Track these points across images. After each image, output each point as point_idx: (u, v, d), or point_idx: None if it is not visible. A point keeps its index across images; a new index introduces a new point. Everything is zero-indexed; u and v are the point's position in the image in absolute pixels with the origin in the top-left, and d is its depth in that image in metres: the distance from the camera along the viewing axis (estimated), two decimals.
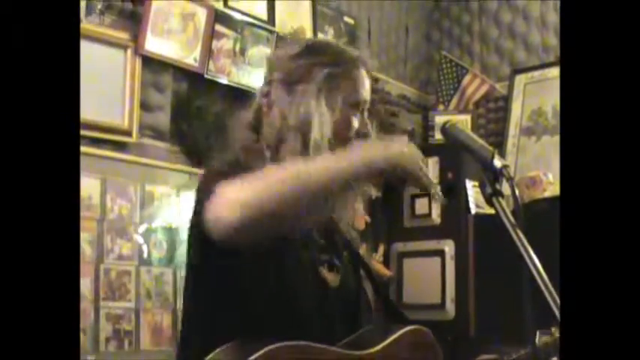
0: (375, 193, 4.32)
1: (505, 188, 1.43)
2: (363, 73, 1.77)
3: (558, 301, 1.19)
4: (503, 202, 1.39)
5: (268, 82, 1.76)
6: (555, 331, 1.55)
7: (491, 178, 1.40)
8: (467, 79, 4.41)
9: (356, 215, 4.04)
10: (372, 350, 1.65)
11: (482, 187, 1.42)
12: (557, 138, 4.09)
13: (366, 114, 1.78)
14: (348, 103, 1.72)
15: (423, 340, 1.77)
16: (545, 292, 1.23)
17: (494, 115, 4.43)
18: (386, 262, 3.95)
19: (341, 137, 1.70)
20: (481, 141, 1.47)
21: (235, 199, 1.42)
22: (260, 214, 1.41)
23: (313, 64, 1.71)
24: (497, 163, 1.40)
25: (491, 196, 1.39)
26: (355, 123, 1.73)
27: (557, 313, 1.19)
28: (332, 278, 1.75)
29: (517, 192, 1.41)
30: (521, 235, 1.31)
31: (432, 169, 3.87)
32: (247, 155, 1.70)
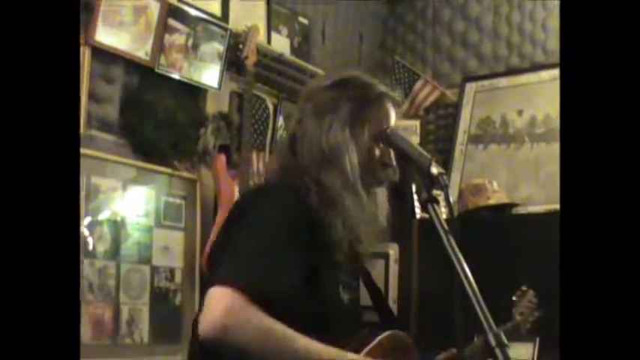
0: None
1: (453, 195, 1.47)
2: (388, 106, 1.85)
3: (484, 306, 1.23)
4: (438, 209, 1.43)
5: (301, 110, 1.86)
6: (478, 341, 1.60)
7: (427, 184, 1.44)
8: (418, 85, 4.46)
9: None
10: None
11: (418, 193, 1.45)
12: (503, 147, 4.16)
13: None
14: (372, 135, 1.80)
15: (400, 343, 1.85)
16: (474, 301, 1.26)
17: (443, 122, 4.48)
18: None
19: (365, 167, 1.80)
20: (420, 148, 1.51)
21: (225, 326, 1.46)
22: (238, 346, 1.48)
23: (341, 97, 1.81)
24: (434, 170, 1.44)
25: (427, 202, 1.42)
26: (377, 154, 1.82)
27: (483, 321, 1.23)
28: (347, 297, 1.83)
29: (454, 199, 1.45)
30: (453, 242, 1.35)
31: None
32: (286, 173, 1.82)
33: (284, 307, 1.56)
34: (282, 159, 1.89)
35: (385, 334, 1.80)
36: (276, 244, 1.63)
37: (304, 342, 1.55)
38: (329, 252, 1.71)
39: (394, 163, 1.85)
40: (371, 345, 1.74)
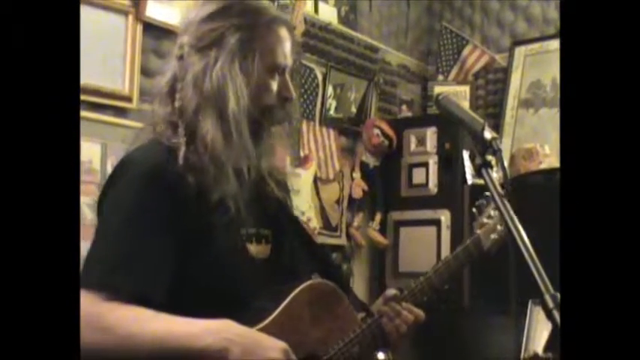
0: (373, 162, 4.37)
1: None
2: (282, 33, 1.67)
3: (541, 268, 1.23)
4: (492, 174, 1.42)
5: (181, 45, 1.65)
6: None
7: (480, 149, 1.43)
8: (467, 50, 4.42)
9: (353, 184, 4.07)
10: (266, 322, 1.58)
11: (472, 158, 1.45)
12: (555, 110, 4.11)
13: (288, 77, 1.68)
14: (265, 67, 1.63)
15: (322, 291, 1.70)
16: (530, 263, 1.25)
17: (493, 87, 4.44)
18: (383, 231, 4.00)
19: (260, 105, 1.63)
20: (472, 113, 1.50)
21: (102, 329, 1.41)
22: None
23: (226, 27, 1.61)
24: (487, 135, 1.43)
25: (481, 167, 1.42)
26: (275, 87, 1.65)
27: (540, 284, 1.22)
28: (261, 250, 1.69)
29: (506, 164, 1.44)
30: (509, 206, 1.34)
31: (430, 139, 3.91)
32: (164, 129, 1.62)
33: (159, 292, 1.48)
34: (159, 109, 1.65)
35: (303, 285, 1.65)
36: (133, 229, 1.50)
37: (162, 325, 1.45)
38: (216, 212, 1.56)
39: (294, 95, 1.69)
40: (285, 302, 1.61)
